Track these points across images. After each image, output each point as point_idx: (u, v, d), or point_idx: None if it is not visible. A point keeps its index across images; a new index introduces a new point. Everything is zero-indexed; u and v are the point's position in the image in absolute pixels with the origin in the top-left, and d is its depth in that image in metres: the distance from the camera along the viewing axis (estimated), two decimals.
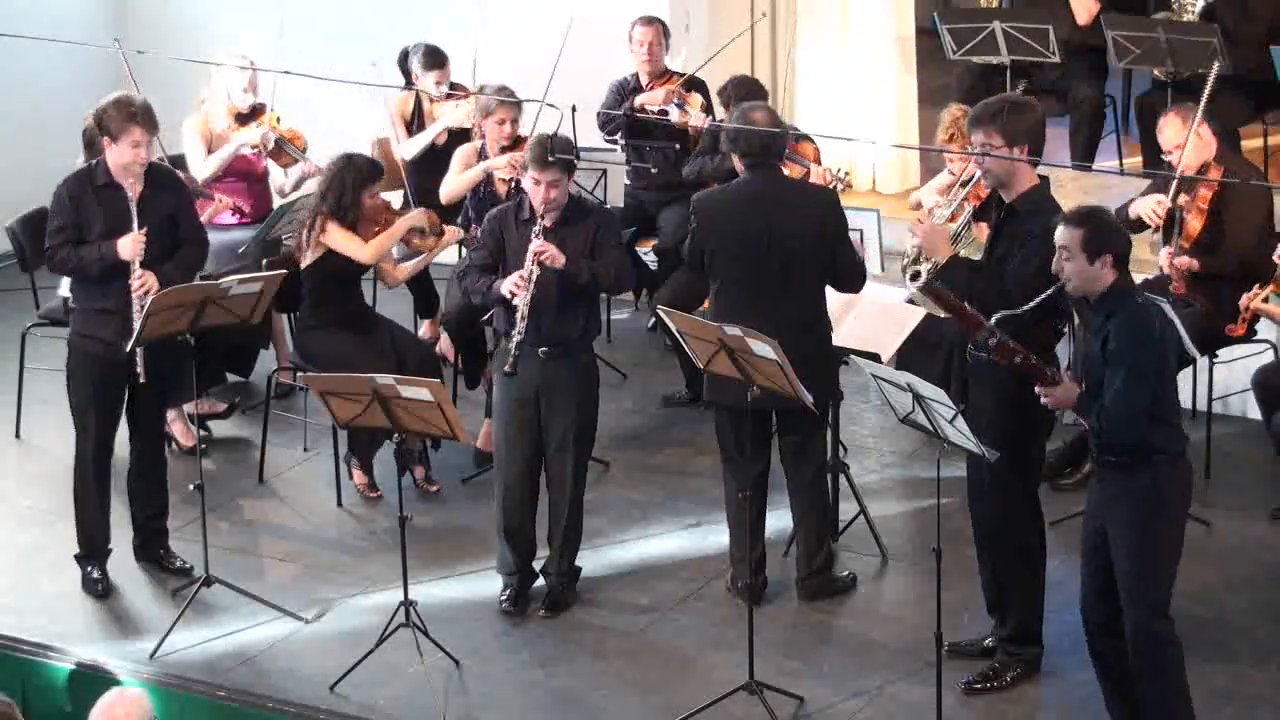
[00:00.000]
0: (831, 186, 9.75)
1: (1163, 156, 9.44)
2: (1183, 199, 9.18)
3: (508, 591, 8.53)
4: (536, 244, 8.23)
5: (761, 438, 8.32)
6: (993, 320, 7.12)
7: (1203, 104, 9.17)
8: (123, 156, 8.39)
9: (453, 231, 9.78)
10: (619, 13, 11.14)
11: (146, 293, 8.32)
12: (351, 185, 9.22)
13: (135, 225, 8.35)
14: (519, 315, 8.24)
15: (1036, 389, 7.10)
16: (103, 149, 8.53)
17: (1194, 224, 9.21)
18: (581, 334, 8.41)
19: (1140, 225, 9.31)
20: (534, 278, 8.22)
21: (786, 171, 8.32)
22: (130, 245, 8.33)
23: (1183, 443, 7.10)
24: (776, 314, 8.01)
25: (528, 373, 8.34)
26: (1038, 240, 7.36)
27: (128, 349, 8.30)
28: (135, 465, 8.82)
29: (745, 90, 9.96)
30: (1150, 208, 9.22)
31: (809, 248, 8.10)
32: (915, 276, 7.22)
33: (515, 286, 8.23)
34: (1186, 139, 9.09)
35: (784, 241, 8.10)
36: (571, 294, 8.31)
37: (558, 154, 8.19)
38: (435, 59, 10.80)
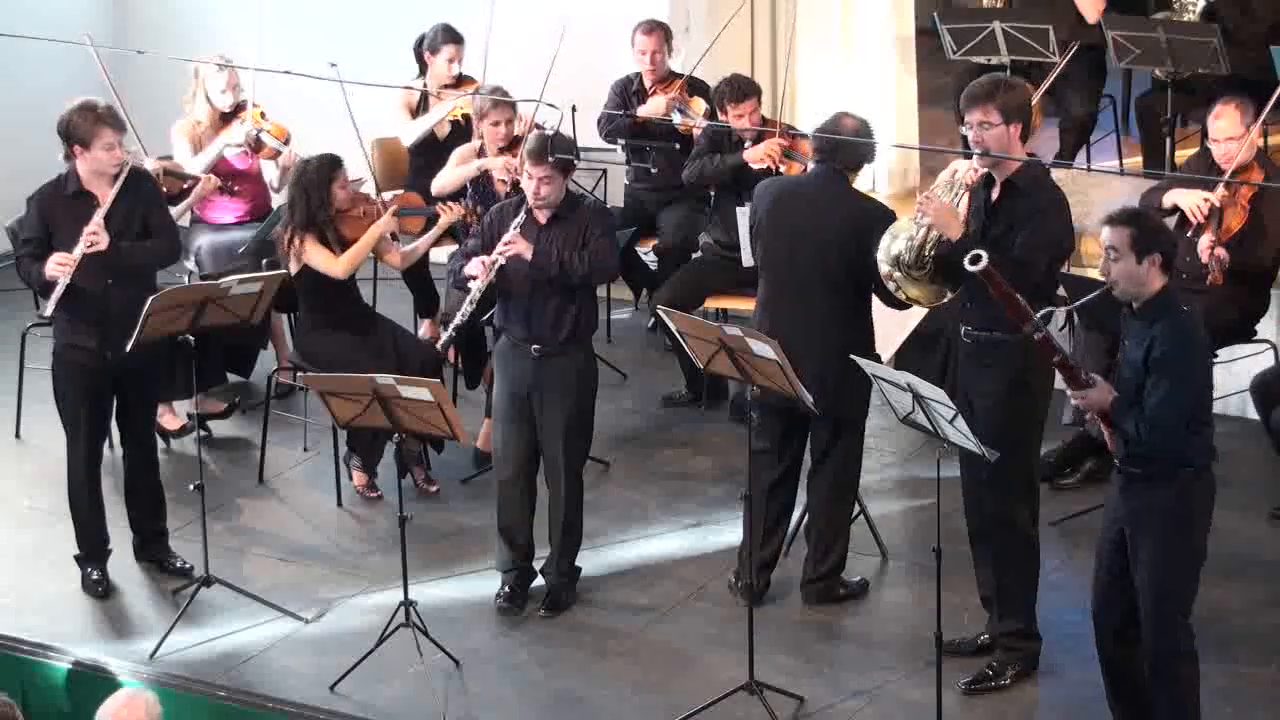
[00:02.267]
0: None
1: (1208, 143, 9.39)
2: (1222, 194, 9.14)
3: (505, 588, 8.53)
4: (508, 235, 8.25)
5: (796, 440, 8.35)
6: (1039, 315, 7.06)
7: (1271, 103, 9.18)
8: (99, 162, 8.37)
9: (455, 209, 9.71)
10: (619, 12, 11.13)
11: (92, 245, 8.28)
12: (315, 187, 9.20)
13: (100, 221, 8.31)
14: (468, 299, 8.30)
15: (1069, 391, 7.06)
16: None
17: (1235, 220, 9.16)
18: (572, 333, 8.39)
19: (1171, 215, 9.29)
20: (496, 266, 8.24)
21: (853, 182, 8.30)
22: (54, 268, 8.30)
23: (1210, 455, 7.03)
24: (797, 312, 8.08)
25: (522, 370, 8.35)
26: (1049, 215, 7.44)
27: (127, 349, 8.30)
28: (128, 470, 8.83)
29: (739, 89, 9.98)
30: (1195, 201, 9.14)
31: (833, 257, 8.07)
32: (975, 260, 7.07)
33: (479, 269, 8.27)
34: (1218, 125, 9.13)
35: (810, 244, 8.11)
36: (547, 289, 8.31)
37: (557, 153, 8.20)
38: (451, 35, 10.81)
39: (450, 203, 9.76)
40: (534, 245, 8.24)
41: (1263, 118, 9.19)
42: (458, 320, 8.37)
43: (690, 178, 10.25)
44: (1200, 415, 6.95)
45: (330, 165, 9.28)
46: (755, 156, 9.89)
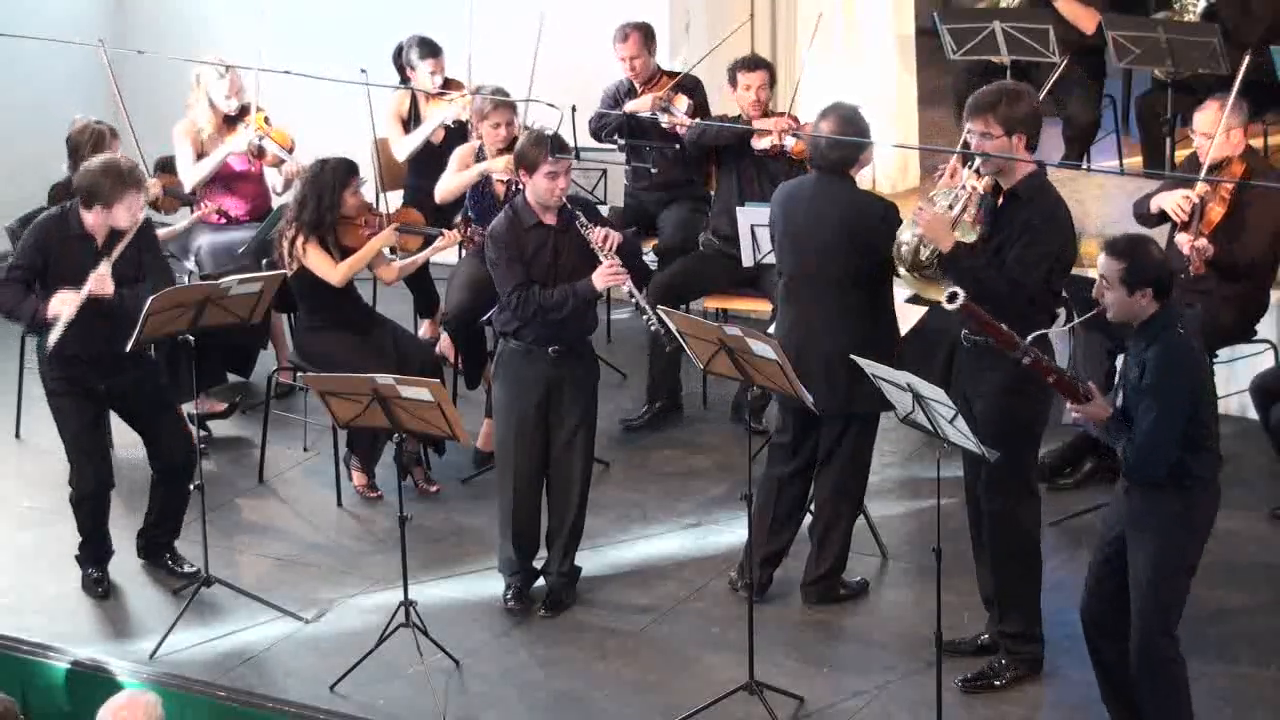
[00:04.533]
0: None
1: (1190, 134, 9.39)
2: (1204, 188, 9.15)
3: (512, 589, 8.53)
4: (599, 233, 8.29)
5: (813, 436, 8.36)
6: (1029, 340, 7.08)
7: (1233, 96, 9.17)
8: (119, 221, 8.35)
9: (451, 235, 9.75)
10: (619, 12, 11.12)
11: (98, 290, 8.26)
12: (330, 189, 9.21)
13: (106, 270, 8.31)
14: (633, 296, 8.36)
15: (1068, 405, 7.07)
16: (85, 159, 8.67)
17: (1215, 212, 9.18)
18: (587, 331, 8.45)
19: (1162, 219, 9.29)
20: (619, 263, 8.29)
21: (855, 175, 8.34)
22: (58, 304, 8.28)
23: (1216, 468, 7.06)
24: (810, 312, 8.16)
25: (536, 372, 8.35)
26: (1040, 227, 7.43)
27: (127, 348, 8.29)
28: (158, 478, 8.76)
29: (750, 60, 10.13)
30: (1176, 201, 9.16)
31: (835, 256, 8.09)
32: (952, 298, 7.11)
33: (614, 277, 8.26)
34: (1216, 129, 9.09)
35: (814, 245, 8.15)
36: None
37: (561, 144, 8.31)
38: (429, 49, 10.79)
39: (447, 231, 9.77)
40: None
41: (1227, 110, 9.15)
42: (652, 321, 8.28)
43: (692, 136, 10.24)
44: (1199, 432, 6.97)
45: (346, 170, 9.30)
46: (763, 128, 9.94)
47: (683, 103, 10.64)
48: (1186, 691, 7.17)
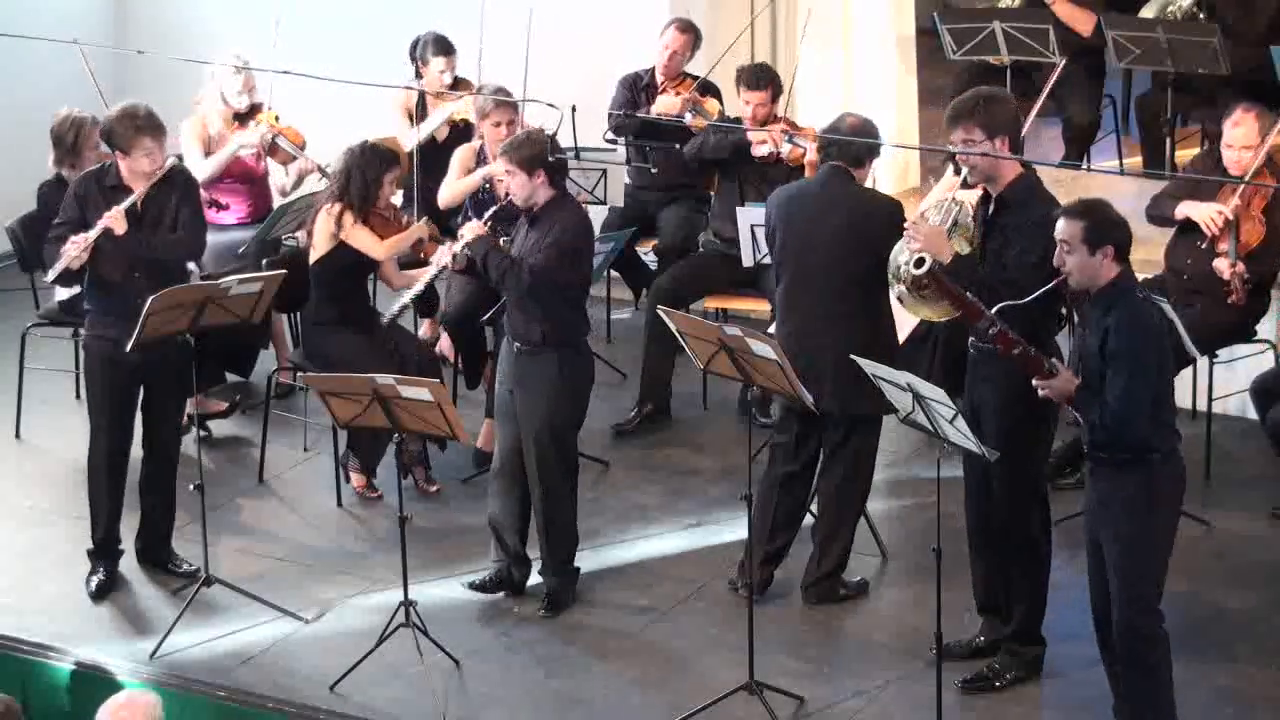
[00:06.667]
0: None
1: (1222, 146, 9.33)
2: (1238, 205, 9.11)
3: (482, 577, 8.58)
4: (474, 222, 8.49)
5: (815, 437, 8.36)
6: (994, 310, 7.11)
7: None
8: (139, 166, 8.42)
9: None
10: (620, 12, 11.13)
11: (107, 230, 8.34)
12: (375, 169, 9.26)
13: (121, 210, 8.38)
14: (420, 282, 8.95)
15: (1034, 381, 7.10)
16: (69, 148, 9.08)
17: (1253, 236, 9.11)
18: (545, 335, 8.30)
19: (1179, 224, 9.27)
20: (455, 257, 8.50)
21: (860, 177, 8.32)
22: (67, 244, 8.36)
23: (1175, 440, 7.10)
24: (812, 311, 8.16)
25: (507, 366, 8.42)
26: (1037, 228, 7.40)
27: (128, 349, 8.30)
28: (145, 467, 8.78)
29: (756, 77, 10.06)
30: (1210, 215, 9.12)
31: (841, 255, 8.11)
32: (920, 263, 7.17)
33: (444, 254, 8.65)
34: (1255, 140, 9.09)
35: (818, 243, 8.16)
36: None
37: (521, 150, 8.21)
38: (442, 46, 10.82)
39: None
40: (494, 237, 8.37)
41: (1276, 131, 9.13)
42: (406, 297, 9.05)
43: (691, 150, 10.25)
44: (1162, 402, 7.01)
45: (391, 157, 9.39)
46: (758, 137, 9.92)
47: (714, 105, 10.65)
48: (1168, 671, 7.15)
